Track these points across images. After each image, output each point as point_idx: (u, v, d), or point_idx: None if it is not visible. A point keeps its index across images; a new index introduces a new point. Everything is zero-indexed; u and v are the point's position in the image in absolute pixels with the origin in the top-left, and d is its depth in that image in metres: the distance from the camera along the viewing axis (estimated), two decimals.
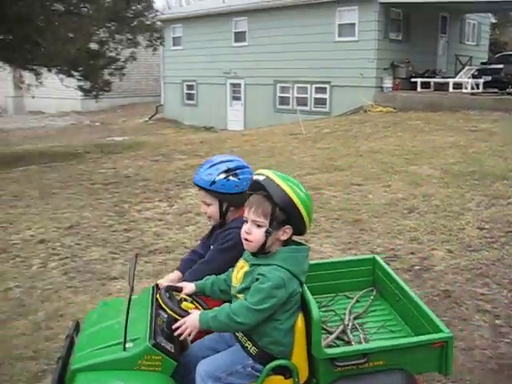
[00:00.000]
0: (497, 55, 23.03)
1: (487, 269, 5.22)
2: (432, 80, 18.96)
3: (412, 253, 5.64)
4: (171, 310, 2.43)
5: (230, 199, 2.84)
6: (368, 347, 2.55)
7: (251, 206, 2.40)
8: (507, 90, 16.76)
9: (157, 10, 17.78)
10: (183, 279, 2.85)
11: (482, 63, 21.20)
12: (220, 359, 2.47)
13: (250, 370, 2.44)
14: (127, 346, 2.38)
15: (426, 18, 20.41)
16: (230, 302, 2.51)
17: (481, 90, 17.72)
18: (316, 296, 3.09)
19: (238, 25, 23.68)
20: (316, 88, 20.91)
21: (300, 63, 20.68)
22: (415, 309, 2.79)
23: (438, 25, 21.86)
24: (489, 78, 18.34)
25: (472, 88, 17.62)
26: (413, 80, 18.86)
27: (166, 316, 2.51)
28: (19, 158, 14.36)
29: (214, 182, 2.83)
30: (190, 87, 26.58)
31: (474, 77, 18.41)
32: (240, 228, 2.49)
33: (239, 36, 23.62)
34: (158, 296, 2.52)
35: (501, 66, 19.20)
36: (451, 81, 18.26)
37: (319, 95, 20.87)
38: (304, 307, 2.49)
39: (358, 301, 3.15)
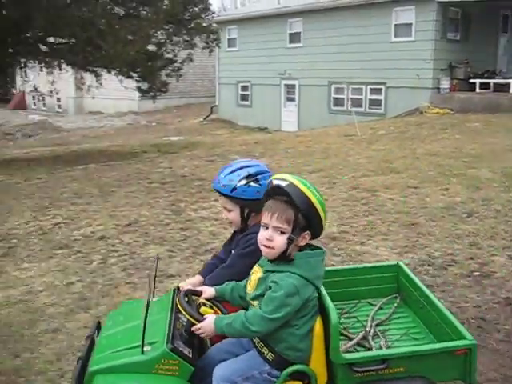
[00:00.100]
0: None
1: None
2: (492, 81, 18.40)
3: (471, 258, 5.52)
4: (189, 314, 2.42)
5: (252, 205, 2.78)
6: (387, 353, 2.50)
7: (273, 212, 2.35)
8: None
9: (213, 12, 18.01)
10: (204, 283, 2.84)
11: None
12: (236, 364, 2.45)
13: (267, 375, 2.41)
14: (145, 349, 2.37)
15: (486, 16, 19.82)
16: (246, 308, 2.49)
17: None
18: (339, 302, 3.07)
19: (292, 26, 23.68)
20: (371, 89, 20.69)
21: (355, 64, 20.51)
22: (439, 316, 2.72)
23: (499, 23, 21.18)
24: None
25: None
26: (471, 81, 18.35)
27: (185, 320, 2.50)
28: (79, 156, 14.82)
29: (234, 189, 2.78)
30: (244, 88, 26.76)
31: None
32: None
33: (294, 37, 23.61)
34: (176, 300, 2.52)
35: None
36: None
37: (374, 96, 20.64)
38: (322, 312, 2.45)
39: (381, 308, 3.10)
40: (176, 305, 2.55)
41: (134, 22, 13.19)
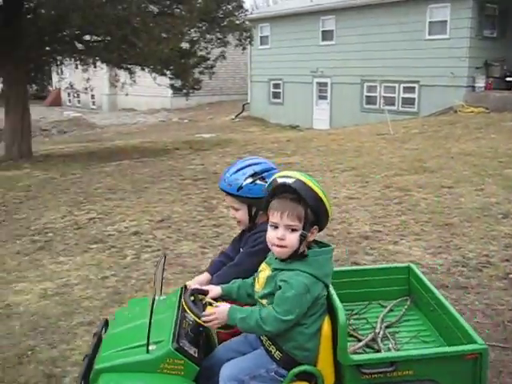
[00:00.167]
0: None
1: None
2: None
3: (507, 260, 5.42)
4: (195, 314, 2.41)
5: (259, 203, 2.68)
6: (395, 355, 2.47)
7: (283, 210, 2.32)
8: None
9: (246, 10, 18.04)
10: (211, 281, 2.81)
11: None
12: (243, 362, 2.44)
13: (274, 374, 2.40)
14: (151, 348, 2.36)
15: None
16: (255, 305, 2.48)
17: None
18: (349, 303, 3.05)
19: (325, 23, 23.59)
20: (404, 87, 20.49)
21: (388, 62, 20.33)
22: (450, 319, 2.66)
23: None
24: None
25: None
26: (508, 79, 18.00)
27: (191, 319, 2.48)
28: (113, 152, 15.03)
29: (241, 187, 2.75)
30: (276, 86, 26.75)
31: None
32: None
33: (326, 35, 23.52)
34: (182, 299, 2.52)
35: None
36: None
37: (407, 95, 20.43)
38: (331, 312, 2.42)
39: (391, 310, 3.06)
40: (182, 304, 2.54)
41: (168, 20, 13.29)
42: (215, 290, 2.57)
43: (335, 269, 3.06)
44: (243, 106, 28.68)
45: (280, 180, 2.36)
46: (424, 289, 2.97)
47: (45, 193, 9.49)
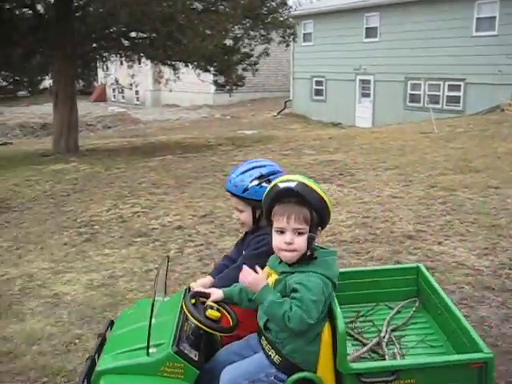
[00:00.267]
0: None
1: None
2: None
3: None
4: (195, 317, 2.39)
5: None
6: (396, 364, 2.40)
7: (289, 214, 2.31)
8: None
9: (290, 7, 18.01)
10: (214, 284, 2.81)
11: None
12: (243, 367, 2.42)
13: (273, 379, 2.37)
14: (151, 351, 2.36)
15: None
16: (257, 310, 2.47)
17: None
18: (356, 305, 3.01)
19: (369, 20, 23.37)
20: (449, 85, 20.12)
21: (433, 59, 19.99)
22: (456, 324, 2.57)
23: None
24: None
25: None
26: None
27: (193, 322, 2.47)
28: (156, 148, 15.25)
29: (246, 189, 2.73)
30: (318, 83, 26.64)
31: None
32: None
33: (370, 32, 23.30)
34: (182, 302, 2.50)
35: None
36: None
37: (452, 93, 20.07)
38: (331, 318, 2.38)
39: (399, 311, 2.99)
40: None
41: (212, 17, 13.38)
42: (217, 294, 2.57)
43: (344, 270, 3.08)
44: (285, 102, 28.66)
45: (282, 185, 2.36)
46: (432, 291, 2.89)
47: (90, 186, 9.71)
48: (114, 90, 37.84)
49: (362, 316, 2.98)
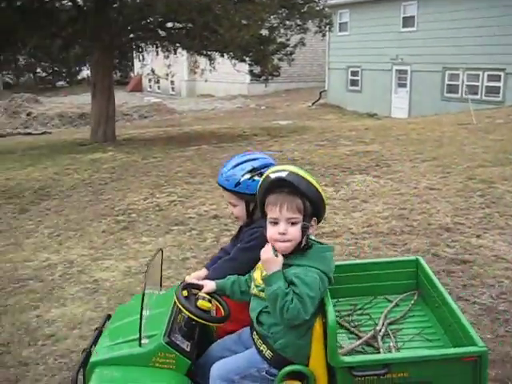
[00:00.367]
0: None
1: None
2: None
3: None
4: (185, 308, 2.41)
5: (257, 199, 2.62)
6: (388, 357, 2.37)
7: (281, 204, 2.29)
8: None
9: None
10: (208, 275, 2.80)
11: None
12: (234, 362, 2.42)
13: (265, 374, 2.37)
14: (143, 342, 2.39)
15: None
16: (249, 303, 2.47)
17: None
18: (354, 298, 2.97)
19: (406, 9, 22.97)
20: (489, 75, 19.65)
21: (472, 49, 19.55)
22: (453, 318, 2.53)
23: None
24: None
25: None
26: None
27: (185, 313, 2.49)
28: (191, 137, 15.37)
29: (238, 183, 2.69)
30: (354, 73, 26.38)
31: None
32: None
33: (407, 21, 22.90)
34: (174, 293, 2.51)
35: None
36: None
37: (492, 83, 19.59)
38: (323, 311, 2.35)
39: (397, 305, 2.93)
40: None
41: (248, 7, 13.36)
42: (209, 285, 2.58)
43: (343, 262, 3.09)
44: (320, 93, 28.48)
45: (273, 175, 2.34)
46: (430, 283, 2.85)
47: (127, 175, 9.86)
48: (149, 80, 38.22)
49: (360, 309, 2.95)
